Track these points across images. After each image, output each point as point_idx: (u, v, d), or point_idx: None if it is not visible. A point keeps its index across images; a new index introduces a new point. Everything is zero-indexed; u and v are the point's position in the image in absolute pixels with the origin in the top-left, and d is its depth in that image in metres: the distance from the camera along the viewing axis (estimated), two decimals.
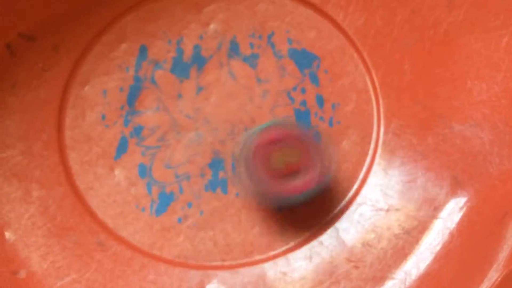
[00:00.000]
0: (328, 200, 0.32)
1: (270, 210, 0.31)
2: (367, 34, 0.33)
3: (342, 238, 0.31)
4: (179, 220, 0.31)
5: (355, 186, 0.32)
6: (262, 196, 0.29)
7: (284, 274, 0.30)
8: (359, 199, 0.31)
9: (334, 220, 0.31)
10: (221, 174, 0.32)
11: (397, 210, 0.31)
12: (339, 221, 0.31)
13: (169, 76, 0.33)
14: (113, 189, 0.31)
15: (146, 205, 0.31)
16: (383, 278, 0.30)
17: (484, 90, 0.31)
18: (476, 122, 0.31)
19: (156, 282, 0.30)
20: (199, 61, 0.33)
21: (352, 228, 0.31)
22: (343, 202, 0.31)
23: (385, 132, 0.32)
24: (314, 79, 0.33)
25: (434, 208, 0.30)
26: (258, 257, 0.31)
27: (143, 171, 0.31)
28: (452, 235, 0.30)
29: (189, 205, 0.31)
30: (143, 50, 0.33)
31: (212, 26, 0.33)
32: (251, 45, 0.33)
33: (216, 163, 0.32)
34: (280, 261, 0.31)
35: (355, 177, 0.32)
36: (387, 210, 0.31)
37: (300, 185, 0.28)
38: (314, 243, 0.31)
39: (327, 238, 0.31)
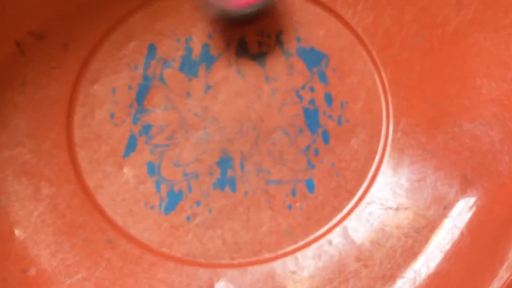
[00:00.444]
0: (333, 194, 0.32)
1: (279, 209, 0.31)
2: (376, 33, 0.33)
3: (351, 236, 0.31)
4: (188, 219, 0.31)
5: (364, 185, 0.32)
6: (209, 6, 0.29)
7: (293, 272, 0.30)
8: (368, 197, 0.31)
9: (343, 219, 0.31)
10: (229, 172, 0.32)
11: (406, 208, 0.31)
12: (348, 219, 0.31)
13: (178, 74, 0.33)
14: (122, 187, 0.31)
15: (155, 203, 0.31)
16: (392, 277, 0.30)
17: (494, 89, 0.31)
18: (485, 121, 0.30)
19: (165, 280, 0.30)
20: (208, 59, 0.33)
21: (361, 226, 0.31)
22: (352, 201, 0.31)
23: (394, 131, 0.32)
24: (323, 77, 0.33)
25: (443, 207, 0.30)
26: (267, 256, 0.31)
27: (152, 169, 0.32)
28: (462, 234, 0.30)
29: (198, 203, 0.31)
30: (151, 49, 0.33)
31: (221, 25, 0.33)
32: (260, 44, 0.33)
33: (224, 162, 0.32)
34: (289, 259, 0.31)
35: (364, 175, 0.32)
36: (397, 209, 0.31)
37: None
38: (323, 241, 0.31)
39: (336, 236, 0.31)
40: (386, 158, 0.32)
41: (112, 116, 0.32)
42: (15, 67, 0.31)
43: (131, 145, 0.32)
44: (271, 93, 0.33)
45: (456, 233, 0.30)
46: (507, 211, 0.29)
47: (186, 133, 0.32)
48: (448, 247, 0.30)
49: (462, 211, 0.30)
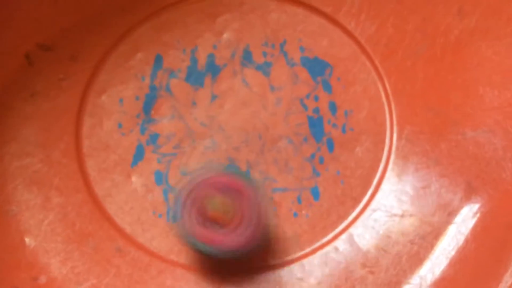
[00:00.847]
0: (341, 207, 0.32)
1: (285, 216, 0.32)
2: (379, 42, 0.33)
3: (357, 243, 0.31)
4: None
5: (369, 192, 0.32)
6: (187, 238, 0.28)
7: (300, 279, 0.31)
8: (373, 204, 0.31)
9: (349, 226, 0.31)
10: None
11: (411, 215, 0.31)
12: (354, 226, 0.31)
13: (184, 84, 0.33)
14: (130, 196, 0.31)
15: (162, 212, 0.31)
16: (398, 283, 0.30)
17: (496, 97, 0.31)
18: (488, 128, 0.31)
19: (173, 287, 0.30)
20: (213, 69, 0.33)
21: (366, 233, 0.31)
22: (358, 208, 0.31)
23: (398, 138, 0.32)
24: (327, 86, 0.33)
25: (448, 214, 0.30)
26: (273, 263, 0.31)
27: (160, 178, 0.32)
28: (466, 240, 0.30)
29: None
30: (158, 60, 0.33)
31: (225, 35, 0.33)
32: (264, 54, 0.33)
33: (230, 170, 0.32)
34: (296, 266, 0.31)
35: (369, 183, 0.32)
36: (402, 216, 0.31)
37: (223, 240, 0.27)
38: (329, 248, 0.31)
39: (342, 243, 0.31)
40: (390, 166, 0.32)
41: (120, 126, 0.32)
42: (24, 79, 0.32)
43: (139, 154, 0.32)
44: (276, 102, 0.33)
45: (461, 239, 0.30)
46: (511, 217, 0.29)
47: (193, 142, 0.32)
48: (453, 253, 0.30)
49: (467, 218, 0.30)
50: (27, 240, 0.30)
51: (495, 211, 0.30)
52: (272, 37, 0.33)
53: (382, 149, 0.32)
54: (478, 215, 0.30)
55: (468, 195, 0.30)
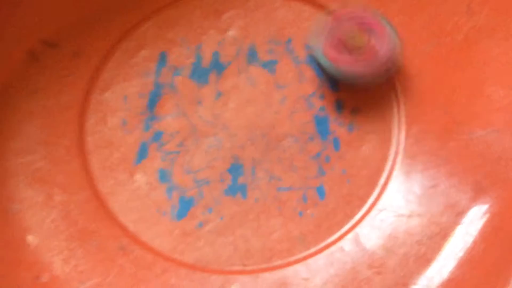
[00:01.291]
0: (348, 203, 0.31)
1: (290, 216, 0.31)
2: None
3: (363, 244, 0.31)
4: (200, 225, 0.31)
5: (376, 192, 0.31)
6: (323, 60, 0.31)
7: (306, 279, 0.30)
8: (380, 204, 0.31)
9: (355, 226, 0.31)
10: (240, 179, 0.32)
11: (419, 215, 0.31)
12: (360, 226, 0.31)
13: (188, 82, 0.33)
14: (134, 194, 0.31)
15: (166, 210, 0.31)
16: (405, 285, 0.30)
17: (504, 96, 0.31)
18: (497, 128, 0.30)
19: (177, 286, 0.30)
20: (218, 67, 0.33)
21: (373, 234, 0.31)
22: (364, 208, 0.31)
23: (406, 137, 0.32)
24: (333, 84, 0.33)
25: (456, 214, 0.30)
26: (278, 263, 0.31)
27: (163, 176, 0.32)
28: (475, 241, 0.29)
29: (209, 210, 0.31)
30: (162, 57, 0.33)
31: (230, 33, 0.33)
32: (270, 51, 0.33)
33: (235, 168, 0.32)
34: (301, 266, 0.30)
35: (375, 182, 0.31)
36: (409, 216, 0.31)
37: (353, 63, 0.30)
38: (334, 248, 0.31)
39: (348, 243, 0.31)
40: (397, 165, 0.32)
41: (124, 123, 0.32)
42: (28, 75, 0.31)
43: (143, 152, 0.32)
44: (281, 100, 0.33)
45: (469, 240, 0.30)
46: None
47: (197, 140, 0.32)
48: (461, 254, 0.29)
49: (475, 218, 0.30)
50: (29, 238, 0.30)
51: (504, 211, 0.29)
52: (277, 34, 0.33)
53: (389, 148, 0.32)
54: (487, 215, 0.30)
55: (477, 195, 0.30)
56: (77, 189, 0.31)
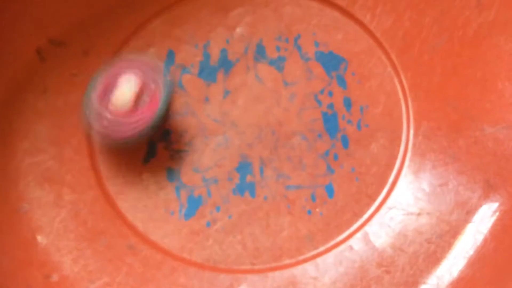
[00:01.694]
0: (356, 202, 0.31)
1: (299, 214, 0.31)
2: (395, 36, 0.32)
3: (373, 242, 0.30)
4: (208, 224, 0.31)
5: (385, 190, 0.31)
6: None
7: (315, 278, 0.30)
8: (389, 202, 0.31)
9: (364, 224, 0.31)
10: (248, 177, 0.32)
11: (428, 214, 0.30)
12: (369, 225, 0.31)
13: (196, 80, 0.33)
14: (142, 193, 0.31)
15: (175, 209, 0.31)
16: (415, 283, 0.29)
17: None
18: (508, 124, 0.30)
19: (186, 285, 0.30)
20: (226, 64, 0.33)
21: (382, 232, 0.30)
22: (373, 206, 0.31)
23: (415, 135, 0.32)
24: (342, 81, 0.33)
25: (466, 212, 0.30)
26: (287, 261, 0.30)
27: (172, 175, 0.32)
28: (485, 240, 0.29)
29: (218, 209, 0.31)
30: (170, 55, 0.33)
31: (238, 30, 0.33)
32: (278, 48, 0.33)
33: (243, 167, 0.32)
34: (310, 265, 0.30)
35: (384, 180, 0.31)
36: (418, 214, 0.31)
37: (142, 119, 0.29)
38: (343, 247, 0.30)
39: (357, 242, 0.30)
40: (407, 163, 0.31)
41: None
42: (36, 74, 0.32)
43: (151, 151, 0.32)
44: (289, 97, 0.32)
45: (479, 238, 0.29)
46: None
47: (205, 139, 0.32)
48: (471, 252, 0.29)
49: (485, 216, 0.30)
50: (39, 237, 0.30)
51: None
52: (285, 31, 0.33)
53: (398, 146, 0.32)
54: (497, 213, 0.29)
55: (487, 193, 0.30)
56: (86, 188, 0.31)
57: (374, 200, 0.31)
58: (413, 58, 0.32)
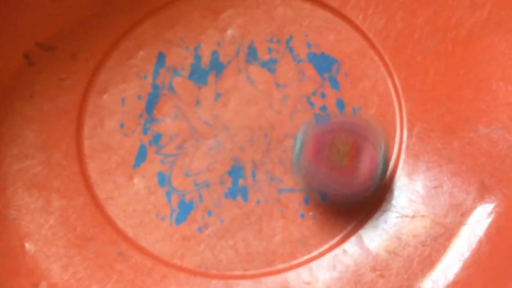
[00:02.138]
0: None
1: (292, 218, 0.31)
2: (388, 36, 0.32)
3: (367, 246, 0.30)
4: (199, 229, 0.31)
5: (379, 193, 0.31)
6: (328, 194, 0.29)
7: (308, 283, 0.30)
8: (383, 205, 0.31)
9: (358, 228, 0.31)
10: (241, 181, 0.31)
11: (423, 216, 0.30)
12: (363, 228, 0.30)
13: (187, 83, 0.32)
14: (132, 198, 0.31)
15: (166, 214, 0.31)
16: (409, 287, 0.29)
17: (510, 92, 0.30)
18: (502, 125, 0.30)
19: None
20: (217, 67, 0.33)
21: (376, 235, 0.30)
22: (367, 209, 0.31)
23: (409, 136, 0.31)
24: (334, 83, 0.32)
25: (461, 214, 0.30)
26: (280, 266, 0.30)
27: (163, 179, 0.31)
28: (480, 242, 0.29)
29: (209, 213, 0.31)
30: (161, 57, 0.33)
31: (229, 32, 0.33)
32: (269, 50, 0.33)
33: (235, 170, 0.31)
34: (303, 270, 0.30)
35: None
36: (413, 217, 0.30)
37: (363, 177, 0.27)
38: (337, 251, 0.30)
39: (350, 246, 0.30)
40: (401, 165, 0.31)
41: (122, 126, 0.32)
42: (24, 79, 0.31)
43: (141, 155, 0.31)
44: (282, 100, 0.32)
45: (475, 241, 0.29)
46: None
47: (196, 142, 0.32)
48: (466, 255, 0.29)
49: (481, 218, 0.29)
50: (27, 245, 0.30)
51: (509, 211, 0.29)
52: (277, 32, 0.33)
53: (392, 148, 0.31)
54: (492, 215, 0.29)
55: (482, 195, 0.30)
56: (75, 194, 0.31)
57: (368, 203, 0.31)
58: (406, 59, 0.32)
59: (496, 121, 0.30)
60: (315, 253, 0.30)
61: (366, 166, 0.28)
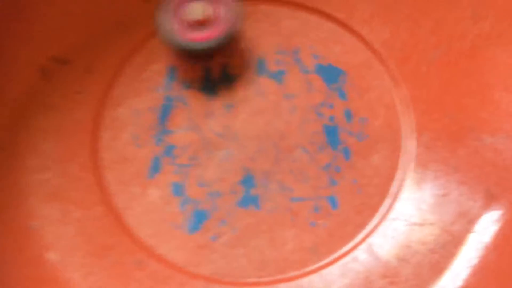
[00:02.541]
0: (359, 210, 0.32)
1: (303, 226, 0.31)
2: (393, 47, 0.33)
3: (377, 253, 0.31)
4: (213, 238, 0.31)
5: (388, 201, 0.32)
6: (174, 42, 0.31)
7: None
8: (392, 214, 0.31)
9: (368, 236, 0.31)
10: (252, 191, 0.32)
11: (431, 224, 0.31)
12: (373, 236, 0.31)
13: (198, 95, 0.33)
14: (148, 208, 0.31)
15: (180, 223, 0.31)
16: None
17: None
18: (506, 134, 0.30)
19: None
20: (227, 79, 0.33)
21: (386, 243, 0.31)
22: (376, 217, 0.31)
23: (417, 146, 0.32)
24: (341, 93, 0.33)
25: (468, 222, 0.30)
26: (292, 274, 0.31)
27: (177, 189, 0.32)
28: (487, 249, 0.29)
29: (223, 222, 0.31)
30: (172, 70, 0.33)
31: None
32: (278, 62, 0.33)
33: (247, 180, 0.32)
34: (315, 277, 0.31)
35: (387, 191, 0.32)
36: (421, 225, 0.31)
37: (207, 35, 0.31)
38: (348, 259, 0.31)
39: (361, 253, 0.31)
40: (409, 174, 0.32)
41: (136, 138, 0.32)
42: (41, 93, 0.32)
43: (155, 166, 0.32)
44: (290, 110, 0.33)
45: (482, 248, 0.30)
46: None
47: (208, 153, 0.32)
48: (474, 262, 0.29)
49: (487, 226, 0.30)
50: (48, 255, 0.30)
51: None
52: (285, 44, 0.33)
53: (399, 157, 0.32)
54: (498, 223, 0.30)
55: (488, 203, 0.30)
56: (92, 205, 0.31)
57: (377, 211, 0.31)
58: (411, 69, 0.33)
59: (500, 131, 0.31)
60: (326, 260, 0.31)
61: (215, 28, 0.31)
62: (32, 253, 0.30)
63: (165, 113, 0.33)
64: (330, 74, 0.33)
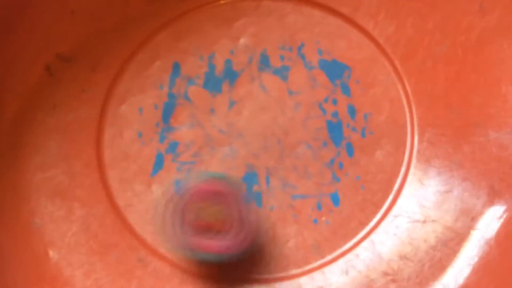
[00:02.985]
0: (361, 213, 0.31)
1: (305, 223, 0.31)
2: (398, 42, 0.33)
3: (379, 251, 0.31)
4: None
5: (390, 197, 0.31)
6: (179, 246, 0.28)
7: None
8: (394, 210, 0.31)
9: (370, 233, 0.31)
10: (255, 187, 0.32)
11: (433, 221, 0.30)
12: (375, 233, 0.31)
13: (202, 91, 0.33)
14: (151, 205, 0.31)
15: None
16: None
17: None
18: None
19: None
20: (231, 75, 0.33)
21: (388, 240, 0.31)
22: (379, 214, 0.31)
23: (420, 141, 0.32)
24: (346, 89, 0.33)
25: (471, 219, 0.30)
26: (294, 271, 0.31)
27: (179, 187, 0.32)
28: (490, 246, 0.29)
29: None
30: (176, 67, 0.33)
31: (242, 40, 0.33)
32: (282, 58, 0.33)
33: (249, 177, 0.32)
34: (316, 275, 0.31)
35: (390, 188, 0.31)
36: (424, 222, 0.31)
37: (216, 246, 0.28)
38: (350, 256, 0.31)
39: (363, 251, 0.31)
40: (412, 170, 0.31)
41: (139, 135, 0.33)
42: (46, 91, 0.32)
43: (159, 163, 0.32)
44: (294, 106, 0.33)
45: (485, 245, 0.29)
46: None
47: (212, 150, 0.32)
48: (476, 259, 0.29)
49: (490, 223, 0.30)
50: (51, 252, 0.30)
51: None
52: (289, 40, 0.33)
53: (403, 153, 0.32)
54: (502, 220, 0.29)
55: (492, 199, 0.30)
56: (95, 202, 0.31)
57: (379, 208, 0.31)
58: (417, 64, 0.32)
59: (506, 126, 0.30)
60: (328, 258, 0.31)
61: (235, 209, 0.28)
62: (35, 250, 0.30)
63: (168, 110, 0.33)
64: (335, 70, 0.33)
